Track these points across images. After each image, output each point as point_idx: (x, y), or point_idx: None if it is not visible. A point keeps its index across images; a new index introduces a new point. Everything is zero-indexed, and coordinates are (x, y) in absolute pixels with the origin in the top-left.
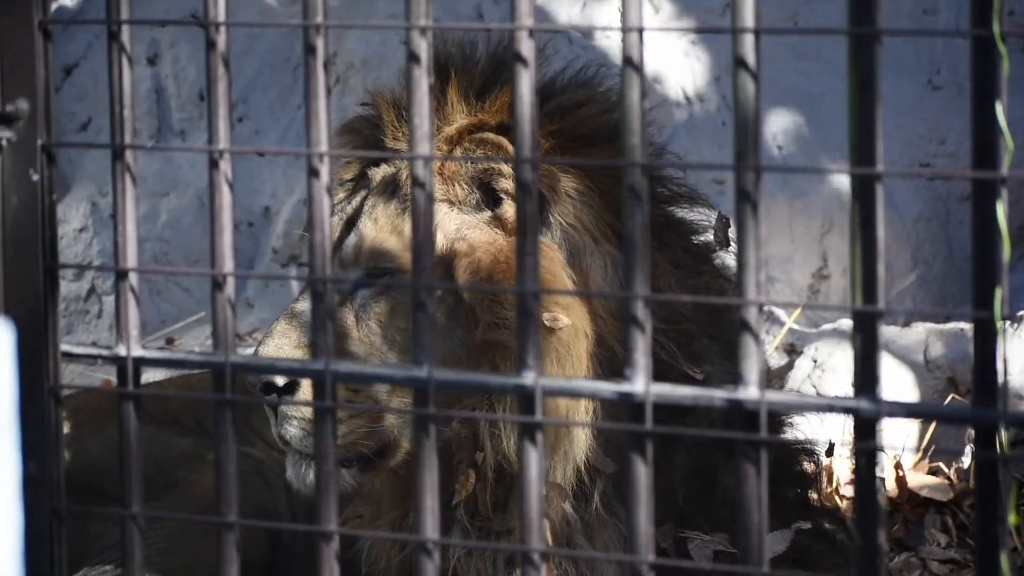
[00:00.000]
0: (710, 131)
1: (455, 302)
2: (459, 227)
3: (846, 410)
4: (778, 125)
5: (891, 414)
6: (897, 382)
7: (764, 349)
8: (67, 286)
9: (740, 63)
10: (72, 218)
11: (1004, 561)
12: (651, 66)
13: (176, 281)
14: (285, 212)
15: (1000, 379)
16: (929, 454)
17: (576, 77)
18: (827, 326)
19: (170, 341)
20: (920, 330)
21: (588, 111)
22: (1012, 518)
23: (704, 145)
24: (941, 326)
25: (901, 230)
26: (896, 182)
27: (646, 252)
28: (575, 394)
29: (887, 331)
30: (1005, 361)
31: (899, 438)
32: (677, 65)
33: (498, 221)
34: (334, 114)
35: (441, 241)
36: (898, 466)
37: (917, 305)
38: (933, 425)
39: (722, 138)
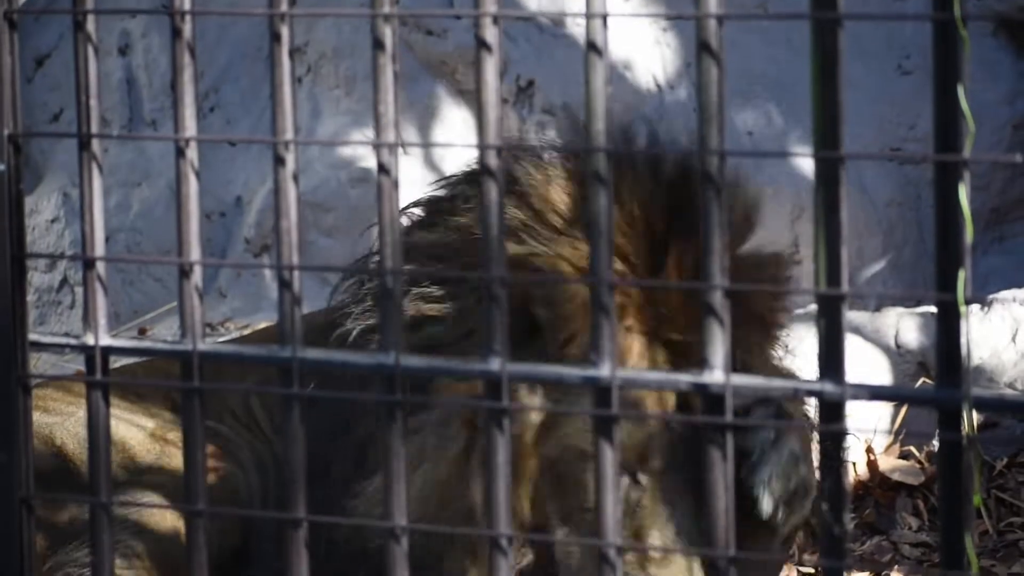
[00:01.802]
0: (681, 118)
1: None
2: None
3: (811, 393)
4: (749, 111)
5: (855, 397)
6: (868, 366)
7: (729, 333)
8: (40, 277)
9: (704, 48)
10: (44, 209)
11: (969, 543)
12: (621, 53)
13: (149, 271)
14: (257, 202)
15: (964, 361)
16: (900, 438)
17: None
18: (799, 311)
19: (143, 331)
20: (891, 315)
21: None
22: (976, 500)
23: (675, 131)
24: (912, 310)
25: (872, 215)
26: (867, 167)
27: (611, 237)
28: (540, 380)
29: (858, 316)
30: (969, 343)
31: (871, 422)
32: (647, 52)
33: None
34: (307, 103)
35: None
36: (869, 450)
37: (889, 290)
38: (904, 409)
39: (693, 124)
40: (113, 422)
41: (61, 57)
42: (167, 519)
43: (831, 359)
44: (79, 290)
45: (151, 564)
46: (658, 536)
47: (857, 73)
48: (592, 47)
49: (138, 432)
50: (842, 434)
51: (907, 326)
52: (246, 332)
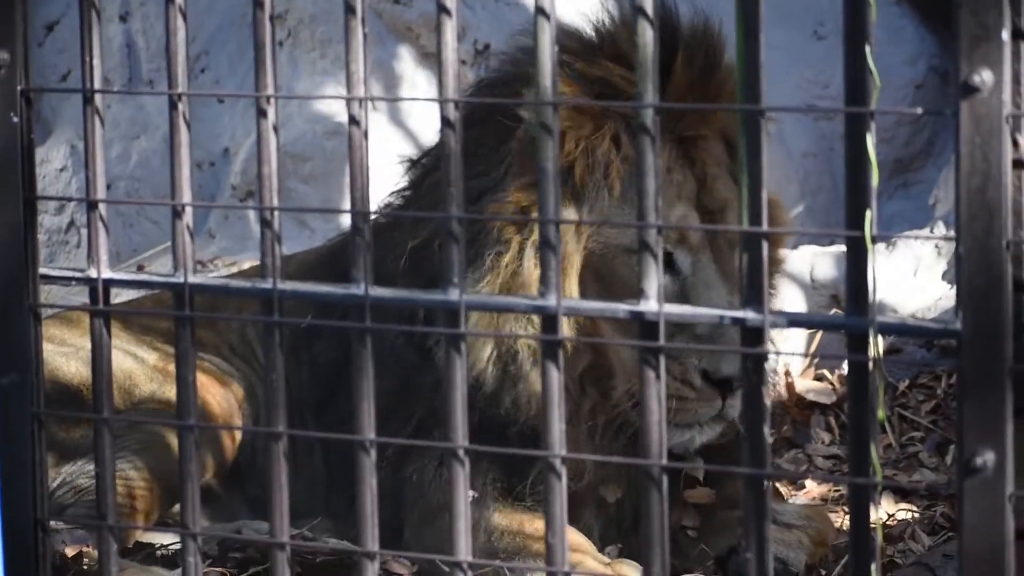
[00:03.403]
0: None
1: None
2: None
3: (735, 320)
4: None
5: (775, 324)
6: (787, 299)
7: (661, 267)
8: (50, 219)
9: (640, 11)
10: (54, 159)
11: (874, 452)
12: (570, 20)
13: (147, 215)
14: (242, 153)
15: (871, 292)
16: (815, 362)
17: None
18: None
19: (141, 267)
20: (807, 253)
21: None
22: (881, 416)
23: None
24: (825, 249)
25: (790, 165)
26: (786, 123)
27: (558, 182)
28: (494, 309)
29: None
30: (875, 276)
31: (789, 348)
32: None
33: None
34: (287, 66)
35: None
36: (787, 373)
37: (805, 229)
38: (818, 336)
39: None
40: (120, 355)
41: (69, 24)
42: (166, 439)
43: (753, 289)
44: (84, 231)
45: (150, 476)
46: None
47: (778, 38)
48: (540, 11)
49: (142, 363)
50: (763, 357)
51: (821, 263)
52: (233, 270)
